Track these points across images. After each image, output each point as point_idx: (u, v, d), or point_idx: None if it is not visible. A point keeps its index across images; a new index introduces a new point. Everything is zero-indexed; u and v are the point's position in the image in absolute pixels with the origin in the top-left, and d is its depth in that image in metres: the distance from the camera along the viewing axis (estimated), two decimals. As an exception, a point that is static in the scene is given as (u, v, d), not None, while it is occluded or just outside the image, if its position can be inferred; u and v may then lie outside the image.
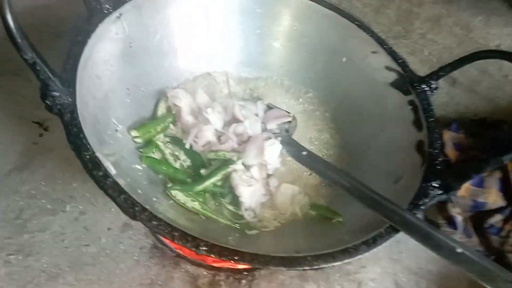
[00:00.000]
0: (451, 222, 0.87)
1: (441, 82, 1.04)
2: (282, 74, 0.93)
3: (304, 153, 0.72)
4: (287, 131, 0.79)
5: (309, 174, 0.77)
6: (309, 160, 0.72)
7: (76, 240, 0.74)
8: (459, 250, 0.49)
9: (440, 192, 0.60)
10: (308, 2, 0.84)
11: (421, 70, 1.05)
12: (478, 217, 0.90)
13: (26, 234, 0.73)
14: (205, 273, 0.74)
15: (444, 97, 1.08)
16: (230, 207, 0.69)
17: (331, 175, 0.67)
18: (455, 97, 1.07)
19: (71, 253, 0.72)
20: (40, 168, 0.81)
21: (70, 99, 0.54)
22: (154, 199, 0.61)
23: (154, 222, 0.50)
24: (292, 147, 0.75)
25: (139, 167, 0.67)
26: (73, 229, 0.75)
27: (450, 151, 0.94)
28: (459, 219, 0.87)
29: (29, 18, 1.07)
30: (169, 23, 0.80)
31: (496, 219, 0.87)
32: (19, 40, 0.46)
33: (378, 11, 1.10)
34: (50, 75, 0.51)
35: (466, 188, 0.89)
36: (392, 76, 0.77)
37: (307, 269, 0.74)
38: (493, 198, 0.88)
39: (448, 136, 0.97)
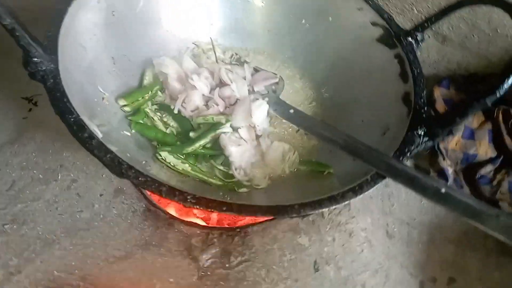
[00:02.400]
0: (442, 174, 0.88)
1: (431, 40, 1.05)
2: (269, 38, 0.92)
3: (291, 111, 0.72)
4: (274, 91, 0.79)
5: (297, 132, 0.78)
6: (296, 117, 0.72)
7: (70, 207, 0.75)
8: (443, 190, 0.49)
9: (426, 139, 0.60)
10: (291, -39, 0.83)
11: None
12: (470, 168, 0.90)
13: (19, 204, 0.74)
14: (198, 232, 0.75)
15: (435, 55, 1.07)
16: (221, 168, 0.70)
17: (318, 131, 0.68)
18: (446, 54, 1.06)
19: (65, 220, 0.73)
20: (30, 141, 0.82)
21: (52, 65, 0.55)
22: (144, 162, 0.62)
23: (141, 179, 0.50)
24: (280, 106, 0.75)
25: (128, 133, 0.68)
26: (66, 196, 0.76)
27: (441, 107, 0.93)
28: (449, 171, 0.87)
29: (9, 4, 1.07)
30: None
31: (487, 169, 0.87)
32: None
33: (366, -29, 1.09)
34: (30, 41, 0.51)
35: (457, 141, 0.90)
36: (378, 32, 0.77)
37: (294, 217, 0.76)
38: (484, 149, 0.88)
39: (439, 93, 0.97)
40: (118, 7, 0.74)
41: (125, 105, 0.70)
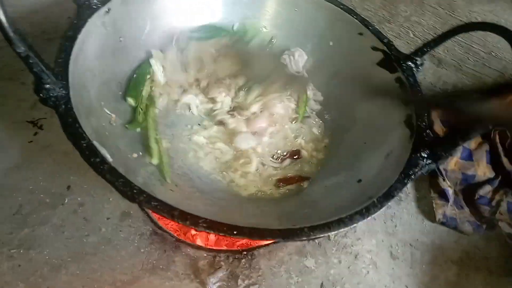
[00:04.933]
0: (443, 195, 0.89)
1: (427, 62, 1.08)
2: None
3: None
4: None
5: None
6: None
7: (77, 231, 0.75)
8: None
9: (429, 161, 0.62)
10: (292, -12, 0.86)
11: (408, 51, 1.08)
12: (469, 189, 0.91)
13: (26, 228, 0.74)
14: (205, 255, 0.75)
15: (431, 77, 1.10)
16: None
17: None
18: (442, 76, 1.09)
19: (72, 244, 0.73)
20: (37, 165, 0.82)
21: (64, 91, 0.55)
22: (153, 184, 0.63)
23: (153, 203, 0.51)
24: None
25: (135, 155, 0.68)
26: (73, 220, 0.76)
27: (439, 128, 0.95)
28: (450, 191, 0.89)
29: (22, 24, 1.09)
30: (158, 16, 0.82)
31: (486, 190, 0.89)
32: (11, 34, 0.46)
33: (363, -3, 1.13)
34: (42, 67, 0.52)
35: (455, 162, 0.91)
36: (379, 56, 0.79)
37: (304, 240, 0.76)
38: (482, 170, 0.90)
39: (436, 114, 0.99)
40: (125, 33, 0.76)
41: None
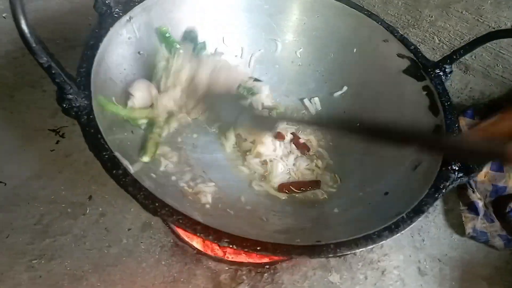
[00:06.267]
0: (473, 208, 0.86)
1: (453, 69, 1.05)
2: (293, 69, 0.92)
3: None
4: None
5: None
6: None
7: (98, 241, 0.74)
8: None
9: (460, 174, 0.59)
10: (315, -5, 0.85)
11: (433, 57, 1.06)
12: (500, 201, 0.88)
13: (47, 238, 0.74)
14: (227, 268, 0.74)
15: (458, 83, 1.07)
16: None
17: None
18: (469, 83, 1.05)
19: (93, 255, 0.73)
20: (58, 174, 0.82)
21: (86, 102, 0.55)
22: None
23: (176, 217, 0.50)
24: None
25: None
26: (94, 231, 0.76)
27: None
28: (480, 204, 0.85)
29: (44, 31, 1.10)
30: (177, 25, 0.81)
31: (517, 202, 0.86)
32: (34, 45, 0.45)
33: (387, 1, 1.10)
34: (65, 78, 0.51)
35: (485, 173, 0.88)
36: (405, 63, 0.77)
37: (330, 257, 0.74)
38: (513, 182, 0.87)
39: (464, 123, 0.96)
40: (145, 45, 0.75)
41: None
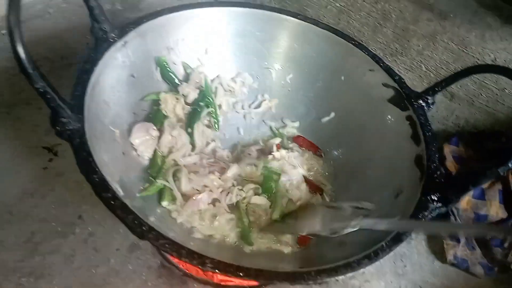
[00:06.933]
0: (454, 235, 0.88)
1: (440, 96, 1.08)
2: (283, 93, 0.95)
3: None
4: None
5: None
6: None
7: (86, 261, 0.76)
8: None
9: (439, 205, 0.61)
10: (305, 24, 0.87)
11: (420, 85, 1.09)
12: (481, 229, 0.90)
13: (37, 256, 0.75)
14: (212, 290, 0.75)
15: (444, 111, 1.10)
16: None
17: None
18: (455, 111, 1.08)
19: (81, 274, 0.74)
20: (50, 192, 0.84)
21: (79, 125, 0.57)
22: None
23: (161, 241, 0.51)
24: None
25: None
26: (82, 250, 0.77)
27: (451, 164, 0.95)
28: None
29: (40, 49, 1.13)
30: (171, 50, 0.84)
31: (498, 231, 0.87)
32: (30, 71, 0.47)
33: (376, 29, 1.14)
34: (59, 102, 0.53)
35: (467, 201, 0.90)
36: (390, 93, 0.79)
37: (311, 283, 0.75)
38: (495, 210, 0.89)
39: (448, 150, 0.99)
40: (139, 67, 0.78)
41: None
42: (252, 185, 0.75)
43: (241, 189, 0.75)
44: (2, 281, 0.71)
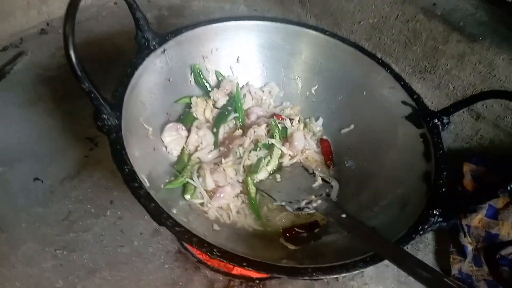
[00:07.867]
0: (462, 251, 0.89)
1: (465, 115, 1.09)
2: (306, 103, 1.01)
3: (343, 215, 0.71)
4: (328, 195, 0.81)
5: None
6: (347, 222, 0.70)
7: (113, 241, 0.84)
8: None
9: (440, 219, 0.63)
10: (333, 40, 0.92)
11: (446, 103, 1.10)
12: (491, 247, 0.91)
13: (72, 233, 0.85)
14: (221, 278, 0.81)
15: (469, 130, 1.10)
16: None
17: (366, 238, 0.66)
18: (479, 131, 1.08)
19: (108, 252, 0.83)
20: (88, 178, 0.94)
21: (116, 121, 0.64)
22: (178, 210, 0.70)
23: (177, 228, 0.57)
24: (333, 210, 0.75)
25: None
26: (111, 231, 0.86)
27: (468, 182, 0.95)
28: (469, 248, 0.88)
29: (93, 48, 1.25)
30: (206, 58, 0.92)
31: (508, 251, 0.87)
32: (79, 73, 0.55)
33: (406, 47, 1.16)
34: (101, 101, 0.61)
35: (480, 219, 0.91)
36: (407, 110, 0.82)
37: (306, 279, 0.79)
38: (506, 230, 0.89)
39: (468, 168, 0.99)
40: (175, 73, 0.86)
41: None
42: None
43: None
44: (40, 252, 0.81)
